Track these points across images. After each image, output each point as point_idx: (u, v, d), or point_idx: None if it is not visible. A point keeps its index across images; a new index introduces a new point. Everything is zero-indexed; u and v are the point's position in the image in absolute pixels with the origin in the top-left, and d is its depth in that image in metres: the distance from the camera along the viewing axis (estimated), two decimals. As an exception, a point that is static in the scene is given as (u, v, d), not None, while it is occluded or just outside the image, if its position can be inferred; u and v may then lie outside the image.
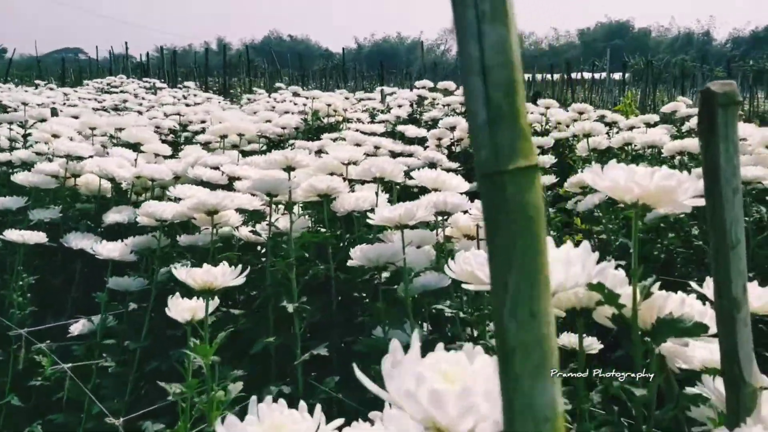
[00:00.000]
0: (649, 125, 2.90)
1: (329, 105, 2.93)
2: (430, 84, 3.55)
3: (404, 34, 63.99)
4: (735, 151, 0.52)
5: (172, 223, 1.39)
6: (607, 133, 3.24)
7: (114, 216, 1.56)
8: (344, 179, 1.41)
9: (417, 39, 58.97)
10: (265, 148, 2.47)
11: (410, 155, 2.48)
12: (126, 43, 14.69)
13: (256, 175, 1.27)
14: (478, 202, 1.21)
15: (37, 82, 7.75)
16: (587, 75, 12.19)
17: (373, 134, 2.73)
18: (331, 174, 1.38)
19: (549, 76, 12.13)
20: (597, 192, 1.84)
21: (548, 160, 1.99)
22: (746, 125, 1.85)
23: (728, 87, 0.52)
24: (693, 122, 2.70)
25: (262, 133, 2.74)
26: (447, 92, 3.49)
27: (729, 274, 0.52)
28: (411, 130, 2.72)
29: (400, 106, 3.31)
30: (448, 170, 2.41)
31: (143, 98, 5.43)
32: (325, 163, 1.36)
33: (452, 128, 2.55)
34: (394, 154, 2.61)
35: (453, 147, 2.69)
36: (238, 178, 1.46)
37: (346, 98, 3.72)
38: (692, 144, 1.93)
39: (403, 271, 1.06)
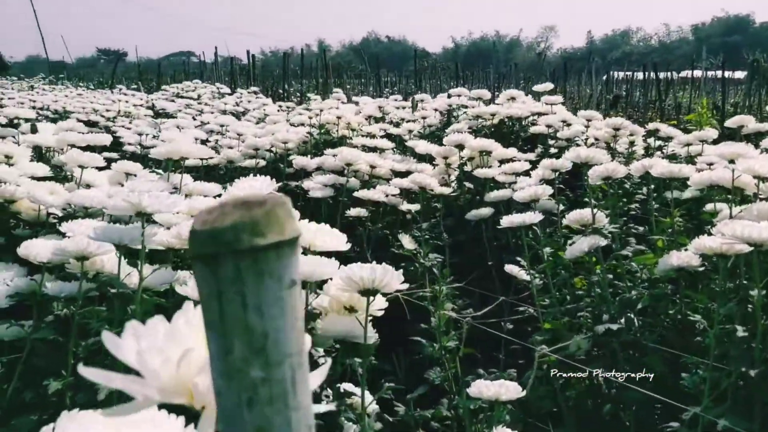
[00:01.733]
0: (705, 142, 2.46)
1: (339, 117, 2.72)
2: (466, 92, 3.25)
3: (503, 32, 62.53)
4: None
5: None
6: (660, 149, 2.82)
7: (24, 250, 1.44)
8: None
9: (516, 37, 57.48)
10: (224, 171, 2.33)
11: (407, 174, 2.23)
12: (226, 46, 15.32)
13: (97, 224, 1.09)
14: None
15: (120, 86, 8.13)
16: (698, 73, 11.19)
17: (375, 150, 2.50)
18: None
19: (653, 74, 11.23)
20: (589, 235, 1.50)
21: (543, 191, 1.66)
22: None
23: None
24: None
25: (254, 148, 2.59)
26: (483, 101, 3.17)
27: None
28: (421, 146, 2.46)
29: (424, 118, 3.04)
30: (440, 195, 2.16)
31: (206, 103, 5.50)
32: (191, 208, 1.15)
33: (460, 146, 2.26)
34: (396, 173, 2.38)
35: (464, 166, 2.40)
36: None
37: (380, 107, 3.50)
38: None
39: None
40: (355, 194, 2.03)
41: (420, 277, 1.89)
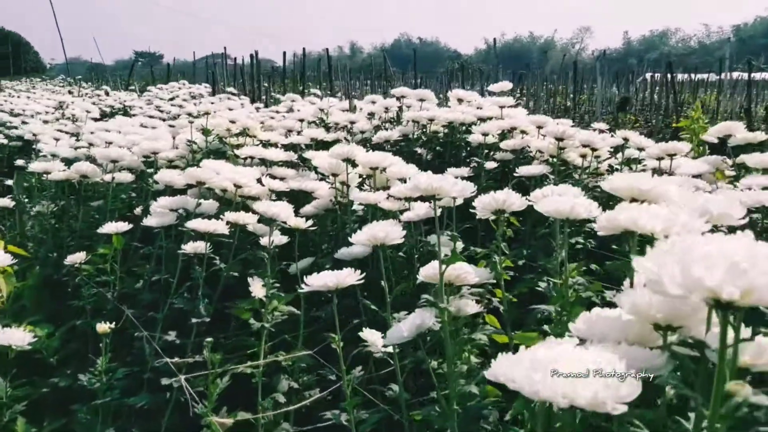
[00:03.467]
0: (672, 156, 1.90)
1: (233, 122, 2.24)
2: (412, 92, 2.74)
3: (537, 33, 61.19)
4: None
5: None
6: (638, 162, 2.26)
7: None
8: None
9: (550, 38, 56.27)
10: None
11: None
12: (254, 49, 15.09)
13: None
14: None
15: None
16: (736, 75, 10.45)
17: (262, 163, 2.02)
18: None
19: (690, 76, 10.61)
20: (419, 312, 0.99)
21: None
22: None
23: None
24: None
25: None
26: (424, 101, 2.64)
27: None
28: (319, 159, 1.96)
29: (353, 123, 2.54)
30: (296, 229, 1.66)
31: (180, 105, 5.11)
32: None
33: (349, 160, 1.75)
34: (278, 194, 1.90)
35: (362, 185, 1.89)
36: None
37: (322, 109, 3.00)
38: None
39: None
40: (187, 224, 1.54)
41: (255, 344, 1.40)
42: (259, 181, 1.87)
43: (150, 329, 1.57)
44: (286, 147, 2.23)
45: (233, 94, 5.94)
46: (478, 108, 2.59)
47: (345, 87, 7.12)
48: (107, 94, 7.07)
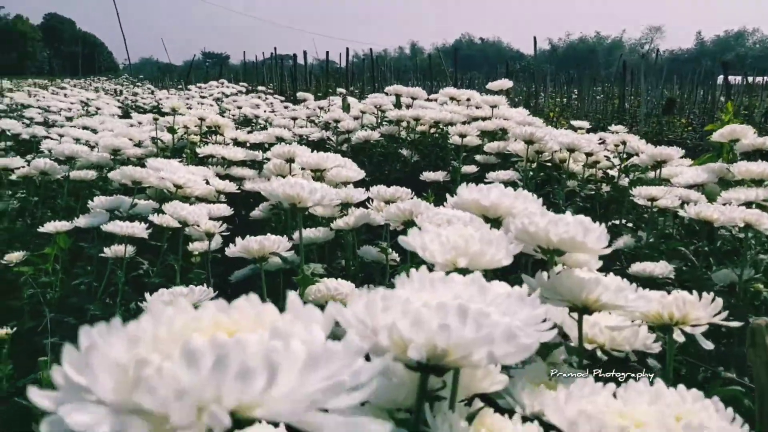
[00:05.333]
0: (662, 164, 1.67)
1: (202, 119, 2.15)
2: (404, 90, 2.58)
3: (604, 33, 59.19)
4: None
5: None
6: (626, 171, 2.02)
7: None
8: None
9: (618, 38, 54.39)
10: None
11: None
12: (315, 49, 15.24)
13: None
14: None
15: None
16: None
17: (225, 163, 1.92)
18: None
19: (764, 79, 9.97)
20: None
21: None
22: None
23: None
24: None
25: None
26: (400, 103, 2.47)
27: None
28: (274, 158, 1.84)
29: (337, 121, 2.40)
30: (206, 232, 1.53)
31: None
32: None
33: (291, 160, 1.62)
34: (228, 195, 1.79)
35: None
36: None
37: (321, 107, 2.89)
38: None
39: None
40: (104, 227, 1.45)
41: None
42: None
43: (70, 336, 1.50)
44: (254, 146, 2.13)
45: (264, 92, 5.93)
46: (477, 108, 2.42)
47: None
48: (145, 92, 7.23)
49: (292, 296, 0.29)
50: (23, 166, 1.98)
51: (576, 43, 58.39)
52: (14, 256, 1.68)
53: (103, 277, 1.57)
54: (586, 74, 10.60)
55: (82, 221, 1.60)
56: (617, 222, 1.84)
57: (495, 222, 0.68)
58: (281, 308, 0.31)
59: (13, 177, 2.17)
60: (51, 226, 1.67)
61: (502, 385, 0.48)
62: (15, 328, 1.52)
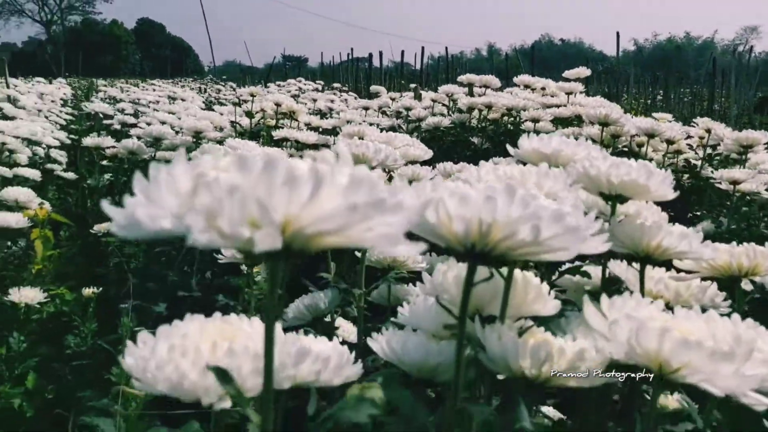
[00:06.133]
0: (749, 148, 1.58)
1: (278, 105, 2.23)
2: (475, 77, 2.56)
3: (694, 33, 56.32)
4: None
5: None
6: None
7: None
8: None
9: (709, 38, 51.56)
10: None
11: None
12: (391, 51, 15.43)
13: None
14: None
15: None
16: None
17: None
18: None
19: None
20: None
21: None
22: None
23: None
24: None
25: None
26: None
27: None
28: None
29: (408, 109, 2.42)
30: None
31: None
32: None
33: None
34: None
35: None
36: None
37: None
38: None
39: None
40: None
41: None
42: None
43: (150, 300, 1.59)
44: (326, 132, 2.18)
45: (339, 89, 6.05)
46: (552, 96, 2.37)
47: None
48: (224, 89, 7.53)
49: (341, 145, 0.30)
50: (113, 146, 2.12)
51: (663, 44, 55.85)
52: (103, 226, 1.81)
53: (181, 248, 1.65)
54: (673, 75, 10.13)
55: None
56: (698, 213, 1.76)
57: (557, 173, 0.67)
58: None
59: (105, 161, 2.33)
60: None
61: (555, 309, 0.47)
62: (101, 290, 1.63)
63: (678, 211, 1.91)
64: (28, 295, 1.53)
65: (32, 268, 1.81)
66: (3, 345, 1.55)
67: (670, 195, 0.59)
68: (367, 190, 0.26)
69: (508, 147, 0.71)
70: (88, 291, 1.45)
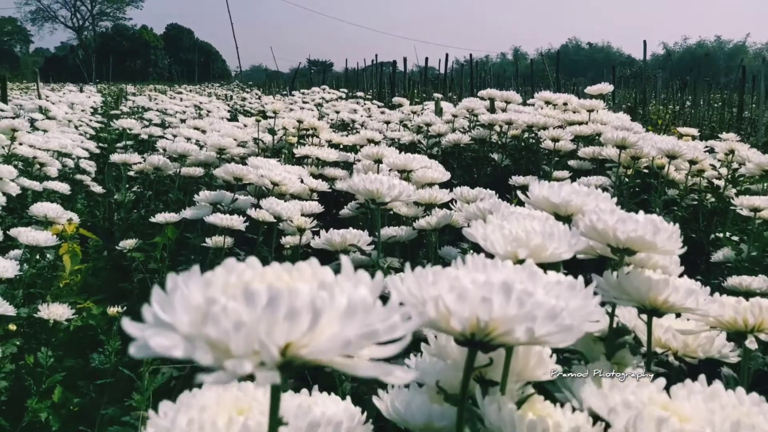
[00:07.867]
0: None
1: (300, 122, 2.26)
2: (497, 93, 2.56)
3: (725, 37, 55.28)
4: None
5: None
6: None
7: None
8: None
9: (741, 42, 50.57)
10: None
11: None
12: (416, 56, 15.42)
13: None
14: None
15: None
16: None
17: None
18: None
19: None
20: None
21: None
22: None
23: None
24: None
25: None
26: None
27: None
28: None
29: (428, 125, 2.43)
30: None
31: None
32: None
33: (380, 161, 1.67)
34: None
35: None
36: None
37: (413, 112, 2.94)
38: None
39: None
40: (207, 218, 1.56)
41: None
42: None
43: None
44: (347, 148, 2.21)
45: (362, 98, 6.09)
46: (574, 112, 2.37)
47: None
48: (249, 97, 7.62)
49: (345, 260, 0.32)
50: (140, 162, 2.17)
51: (693, 48, 54.93)
52: (128, 243, 1.85)
53: (204, 266, 1.69)
54: (702, 80, 9.96)
55: (188, 213, 1.73)
56: (720, 235, 1.73)
57: (566, 220, 0.68)
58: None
59: (131, 173, 2.39)
60: (161, 217, 1.82)
61: (556, 375, 0.48)
62: (125, 308, 1.67)
63: (700, 233, 1.89)
64: (56, 311, 1.58)
65: (59, 283, 1.87)
66: (31, 355, 1.60)
67: (678, 251, 0.59)
68: (361, 320, 0.27)
69: (519, 194, 0.72)
70: (113, 310, 1.49)
